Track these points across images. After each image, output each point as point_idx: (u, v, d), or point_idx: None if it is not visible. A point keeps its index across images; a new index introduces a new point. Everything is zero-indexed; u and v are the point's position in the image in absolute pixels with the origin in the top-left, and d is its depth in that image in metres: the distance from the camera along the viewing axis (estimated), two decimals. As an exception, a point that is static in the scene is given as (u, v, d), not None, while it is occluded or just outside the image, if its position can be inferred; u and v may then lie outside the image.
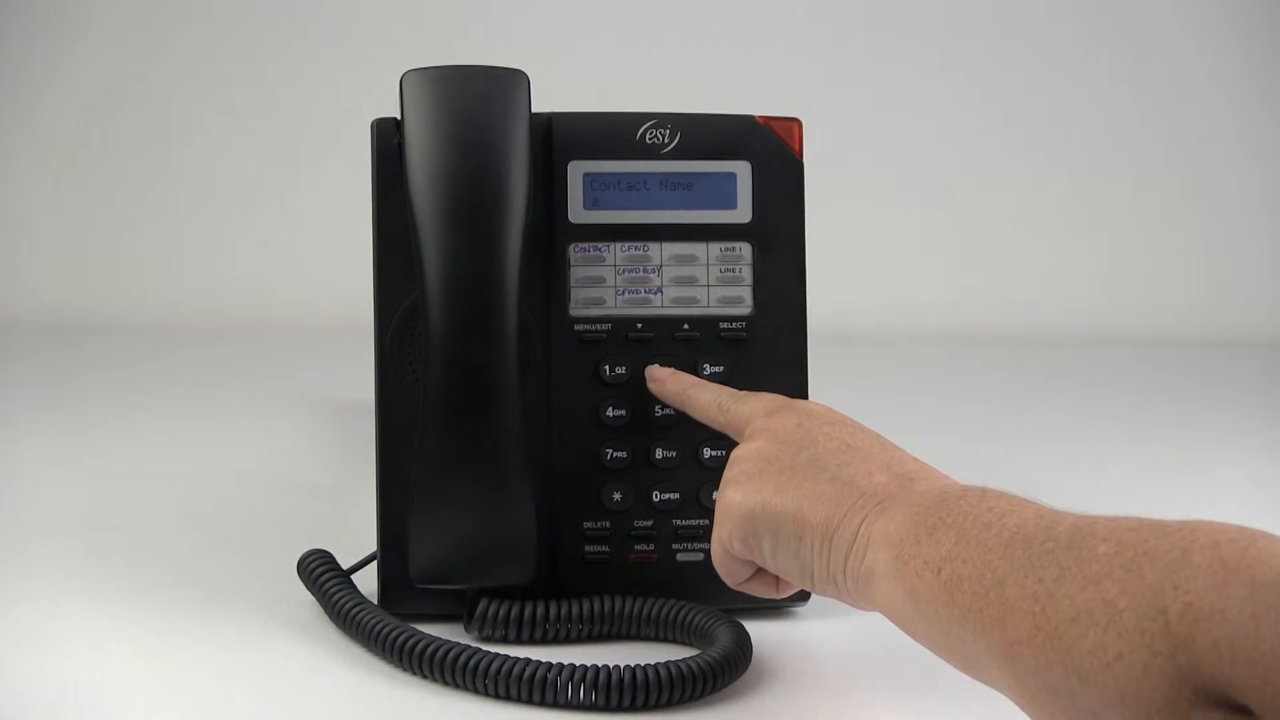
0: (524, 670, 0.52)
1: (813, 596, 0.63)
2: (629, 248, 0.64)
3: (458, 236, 0.58)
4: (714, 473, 0.62)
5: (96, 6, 2.04)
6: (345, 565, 0.62)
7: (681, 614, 0.59)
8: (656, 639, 0.59)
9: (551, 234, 0.63)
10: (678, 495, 0.63)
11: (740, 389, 0.60)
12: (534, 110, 0.61)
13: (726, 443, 0.60)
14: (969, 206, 2.12)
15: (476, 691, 0.53)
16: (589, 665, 0.52)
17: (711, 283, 0.64)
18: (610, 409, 0.63)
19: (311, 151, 2.00)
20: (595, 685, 0.51)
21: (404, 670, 0.55)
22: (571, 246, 0.63)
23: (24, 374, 1.55)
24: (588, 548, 0.62)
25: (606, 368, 0.63)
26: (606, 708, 0.51)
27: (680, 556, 0.63)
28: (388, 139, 0.61)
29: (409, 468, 0.59)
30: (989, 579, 0.39)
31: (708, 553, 0.61)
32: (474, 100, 0.59)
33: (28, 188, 2.02)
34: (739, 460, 0.53)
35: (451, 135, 0.59)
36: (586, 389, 0.63)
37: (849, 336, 1.72)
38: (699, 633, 0.57)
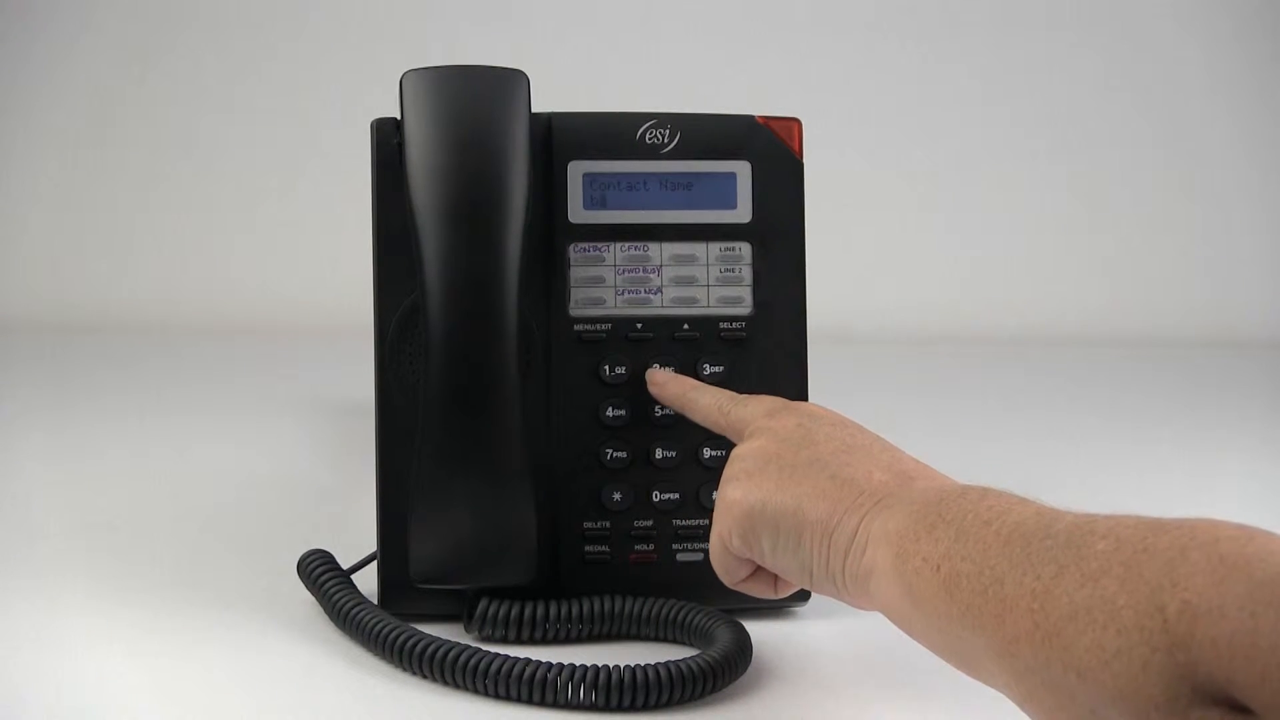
0: (524, 670, 0.52)
1: (812, 597, 0.63)
2: (629, 248, 0.64)
3: (458, 236, 0.58)
4: (714, 473, 0.62)
5: (96, 6, 2.04)
6: (345, 565, 0.62)
7: (681, 614, 0.59)
8: (656, 639, 0.60)
9: (551, 234, 0.63)
10: (678, 495, 0.63)
11: (740, 389, 0.60)
12: (534, 110, 0.61)
13: (726, 443, 0.60)
14: (969, 206, 2.12)
15: (476, 691, 0.53)
16: (589, 665, 0.52)
17: (711, 283, 0.64)
18: (610, 409, 0.63)
19: (311, 151, 2.00)
20: (595, 685, 0.51)
21: (404, 670, 0.55)
22: (571, 246, 0.63)
23: (24, 374, 1.54)
24: (588, 548, 0.62)
25: (606, 368, 0.63)
26: (606, 708, 0.51)
27: (680, 556, 0.63)
28: (388, 139, 0.61)
29: (409, 468, 0.59)
30: (988, 577, 0.39)
31: (708, 553, 0.61)
32: (474, 100, 0.59)
33: (28, 188, 2.02)
34: (739, 458, 0.53)
35: (451, 135, 0.59)
36: (586, 389, 0.63)
37: (849, 336, 1.72)
38: (699, 633, 0.57)
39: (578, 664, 0.52)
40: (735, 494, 0.51)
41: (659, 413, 0.63)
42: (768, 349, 0.64)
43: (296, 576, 0.63)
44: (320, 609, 0.61)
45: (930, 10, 2.15)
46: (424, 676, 0.54)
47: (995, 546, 0.40)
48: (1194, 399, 1.52)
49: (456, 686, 0.53)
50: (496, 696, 0.52)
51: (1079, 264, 2.09)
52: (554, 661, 0.52)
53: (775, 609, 0.63)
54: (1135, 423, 1.31)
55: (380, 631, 0.56)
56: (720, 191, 0.64)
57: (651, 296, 0.64)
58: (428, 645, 0.54)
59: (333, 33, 2.08)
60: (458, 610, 0.59)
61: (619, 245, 0.64)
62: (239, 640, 0.59)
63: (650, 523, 0.63)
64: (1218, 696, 0.32)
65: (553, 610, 0.59)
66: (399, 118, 0.60)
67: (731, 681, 0.54)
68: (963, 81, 2.14)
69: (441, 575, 0.58)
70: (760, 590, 0.55)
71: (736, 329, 0.64)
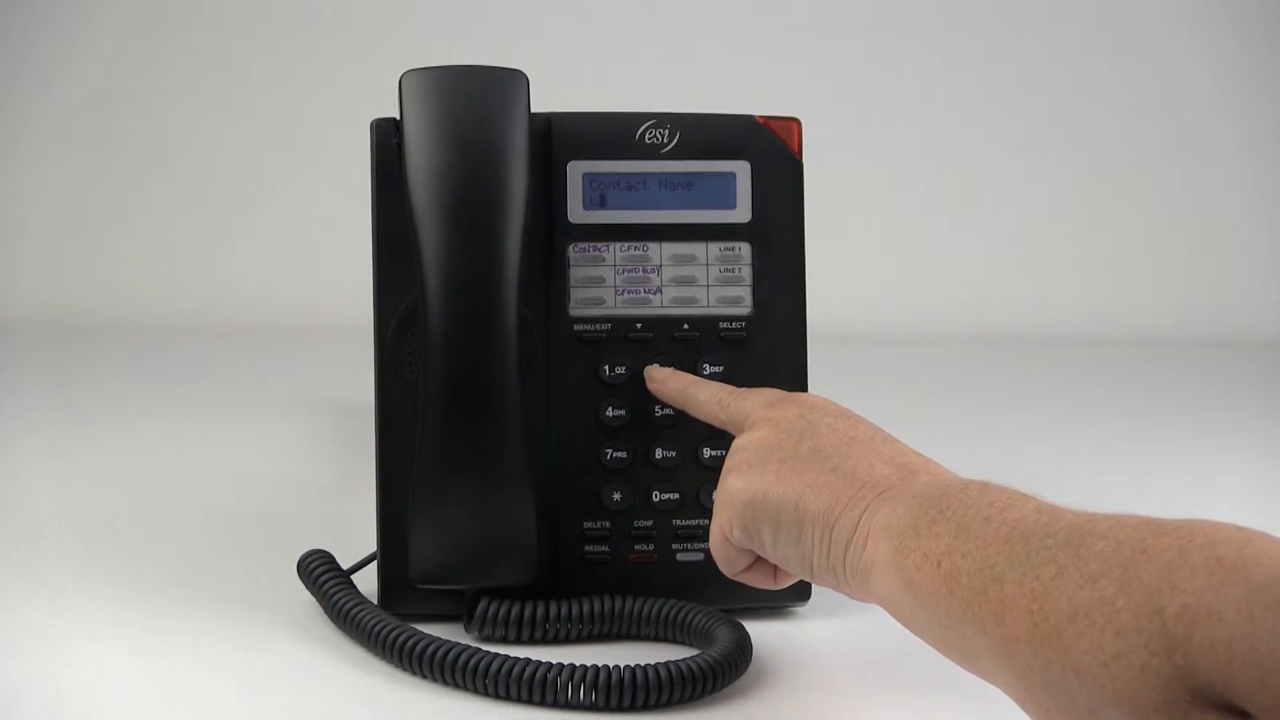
0: (524, 670, 0.52)
1: (813, 596, 0.63)
2: (628, 247, 0.64)
3: (457, 236, 0.58)
4: (713, 472, 0.62)
5: (96, 6, 2.04)
6: (345, 565, 0.62)
7: (681, 614, 0.59)
8: (656, 639, 0.60)
9: (551, 234, 0.63)
10: (678, 495, 0.63)
11: (741, 388, 0.60)
12: (533, 110, 0.61)
13: (726, 442, 0.60)
14: (969, 206, 2.12)
15: (476, 691, 0.53)
16: (589, 665, 0.52)
17: (711, 283, 0.64)
18: (610, 409, 0.63)
19: (311, 151, 2.00)
20: (595, 685, 0.51)
21: (404, 670, 0.55)
22: (571, 246, 0.63)
23: (24, 374, 1.54)
24: (588, 548, 0.62)
25: (606, 368, 0.63)
26: (606, 708, 0.51)
27: (680, 556, 0.63)
28: (387, 139, 0.61)
29: (409, 468, 0.59)
30: (988, 574, 0.39)
31: (707, 552, 0.61)
32: (473, 100, 0.59)
33: (28, 188, 2.02)
34: (740, 449, 0.53)
35: (451, 135, 0.59)
36: (586, 389, 0.63)
37: (849, 336, 1.72)
38: (699, 633, 0.57)
39: (578, 664, 0.52)
40: (736, 485, 0.51)
41: (659, 412, 0.63)
42: (767, 349, 0.64)
43: (296, 576, 0.63)
44: (320, 609, 0.61)
45: (930, 10, 2.15)
46: (424, 676, 0.54)
47: (995, 544, 0.40)
48: (1194, 399, 1.52)
49: (456, 686, 0.53)
50: (496, 696, 0.52)
51: (1079, 264, 2.09)
52: (554, 661, 0.52)
53: (775, 609, 0.63)
54: (1135, 423, 1.31)
55: (380, 631, 0.56)
56: (720, 191, 0.64)
57: (651, 296, 0.64)
58: (428, 645, 0.54)
59: (333, 33, 2.08)
60: (458, 610, 0.59)
61: (619, 245, 0.64)
62: (239, 640, 0.59)
63: (650, 523, 0.63)
64: (1216, 700, 0.32)
65: (552, 610, 0.59)
66: (398, 118, 0.60)
67: (731, 681, 0.54)
68: (963, 81, 2.14)
69: (441, 575, 0.58)
70: (760, 581, 0.55)
71: (736, 329, 0.64)
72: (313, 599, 0.62)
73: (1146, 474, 1.05)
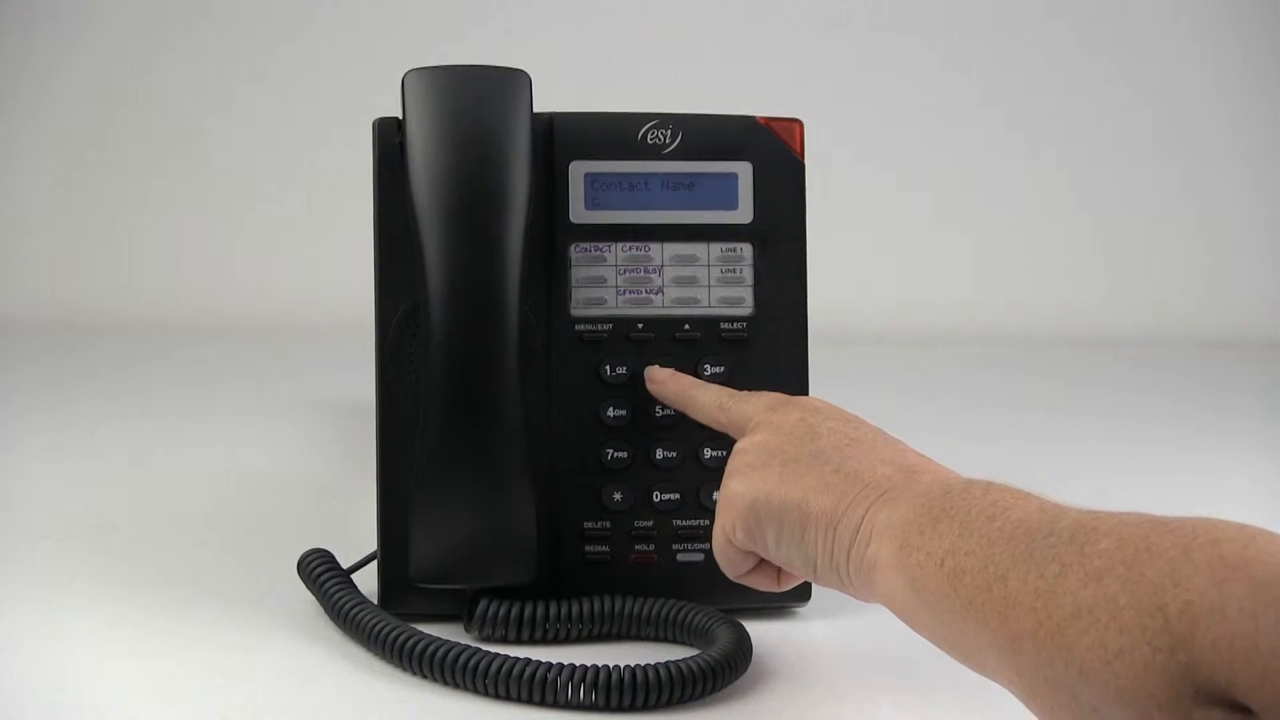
0: (524, 670, 0.52)
1: (813, 596, 0.63)
2: (630, 248, 0.64)
3: (459, 236, 0.58)
4: (714, 473, 0.62)
5: (97, 6, 2.04)
6: (345, 565, 0.62)
7: (681, 614, 0.59)
8: (656, 639, 0.59)
9: (552, 234, 0.63)
10: (678, 495, 0.63)
11: (741, 389, 0.60)
12: (535, 110, 0.61)
13: (727, 442, 0.60)
14: (969, 206, 2.12)
15: (476, 691, 0.53)
16: (589, 665, 0.52)
17: (712, 283, 0.64)
18: (611, 409, 0.63)
19: (311, 151, 2.00)
20: (595, 685, 0.51)
21: (404, 670, 0.55)
22: (572, 246, 0.63)
23: (24, 374, 1.54)
24: (588, 548, 0.62)
25: (607, 368, 0.63)
26: (606, 708, 0.51)
27: (680, 557, 0.63)
28: (389, 139, 0.61)
29: (409, 468, 0.59)
30: (991, 573, 0.39)
31: (708, 553, 0.61)
32: (475, 100, 0.59)
33: (28, 187, 2.02)
34: (742, 452, 0.53)
35: (453, 135, 0.59)
36: (587, 389, 0.63)
37: (849, 336, 1.72)
38: (699, 633, 0.57)
39: (578, 664, 0.52)
40: (739, 487, 0.51)
41: (659, 413, 0.63)
42: (768, 349, 0.64)
43: (296, 576, 0.63)
44: (320, 609, 0.61)
45: (931, 11, 2.15)
46: (424, 676, 0.54)
47: (999, 542, 0.40)
48: (1194, 399, 1.52)
49: (456, 686, 0.53)
50: (496, 696, 0.52)
51: (1079, 264, 2.09)
52: (554, 661, 0.52)
53: (775, 609, 0.63)
54: (1135, 422, 1.31)
55: (380, 631, 0.56)
56: (721, 192, 0.64)
57: (652, 297, 0.64)
58: (428, 645, 0.54)
59: (334, 32, 2.08)
60: (458, 610, 0.59)
61: (620, 245, 0.64)
62: (239, 640, 0.59)
63: (650, 523, 0.63)
64: (1219, 697, 0.32)
65: (553, 610, 0.59)
66: (400, 117, 0.60)
67: (731, 681, 0.54)
68: (963, 82, 2.14)
69: (441, 575, 0.58)
70: (763, 583, 0.55)
71: (737, 329, 0.64)
72: (313, 599, 0.62)
73: (1147, 474, 1.05)
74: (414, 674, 0.54)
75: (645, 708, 0.52)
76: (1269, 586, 0.32)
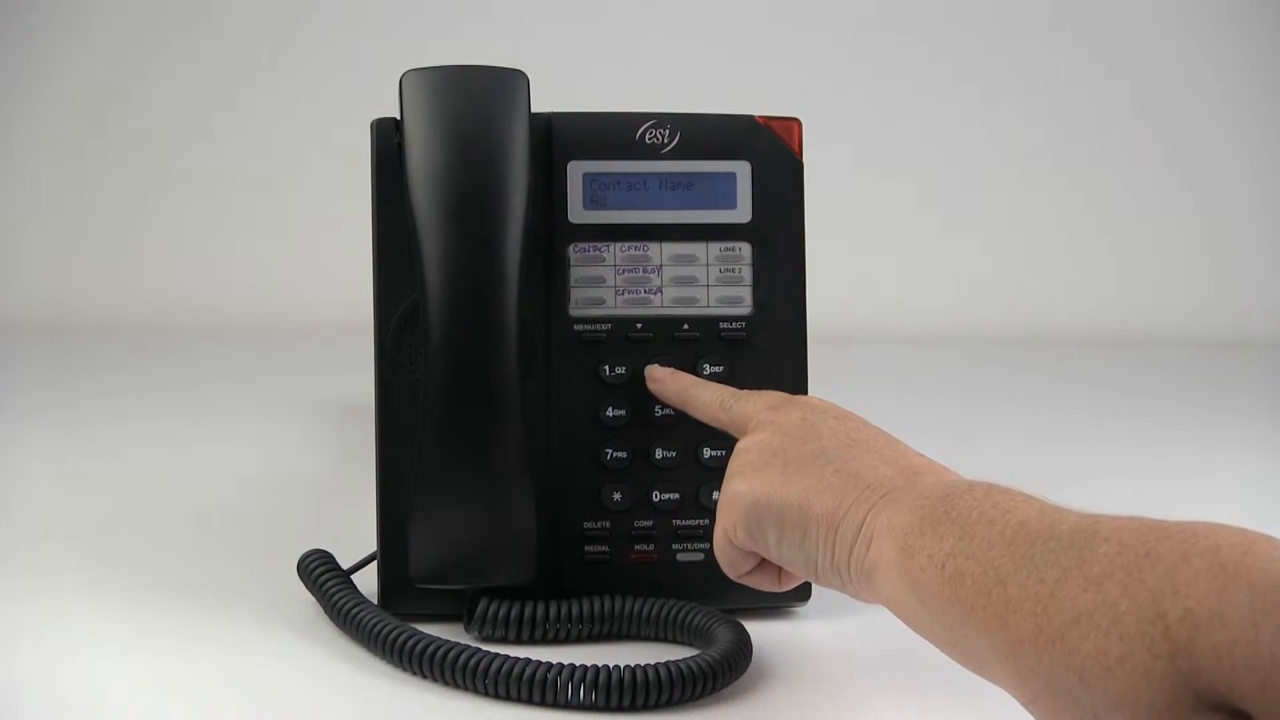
0: (524, 670, 0.52)
1: (813, 596, 0.63)
2: (629, 248, 0.64)
3: (457, 236, 0.58)
4: (714, 472, 0.62)
5: (96, 6, 2.04)
6: (345, 565, 0.62)
7: (681, 614, 0.59)
8: (656, 639, 0.59)
9: (551, 234, 0.63)
10: (678, 495, 0.63)
11: (741, 388, 0.60)
12: (534, 110, 0.61)
13: (726, 442, 0.60)
14: (969, 206, 2.11)
15: (476, 691, 0.53)
16: (589, 665, 0.52)
17: (711, 283, 0.64)
18: (610, 409, 0.63)
19: (311, 151, 2.00)
20: (595, 685, 0.51)
21: (404, 670, 0.55)
22: (571, 246, 0.63)
23: (24, 374, 1.54)
24: (588, 548, 0.62)
25: (606, 368, 0.63)
26: (606, 708, 0.51)
27: (680, 556, 0.63)
28: (388, 139, 0.61)
29: (409, 468, 0.59)
30: (991, 577, 0.39)
31: (708, 553, 0.61)
32: (474, 100, 0.59)
33: (28, 188, 2.02)
34: (744, 452, 0.53)
35: (451, 135, 0.59)
36: (586, 389, 0.63)
37: (849, 336, 1.72)
38: (699, 633, 0.57)
39: (578, 664, 0.52)
40: (740, 487, 0.51)
41: (659, 412, 0.63)
42: (768, 349, 0.64)
43: (296, 576, 0.63)
44: (320, 609, 0.61)
45: (931, 10, 2.15)
46: (424, 676, 0.54)
47: (999, 546, 0.40)
48: (1194, 399, 1.52)
49: (456, 686, 0.53)
50: (496, 696, 0.52)
51: (1079, 264, 2.09)
52: (554, 661, 0.52)
53: (775, 609, 0.63)
54: (1135, 422, 1.31)
55: (380, 631, 0.56)
56: (720, 191, 0.64)
57: (651, 296, 0.64)
58: (428, 645, 0.54)
59: (333, 32, 2.08)
60: (458, 610, 0.59)
61: (619, 245, 0.64)
62: (239, 640, 0.59)
63: (650, 523, 0.63)
64: (1219, 704, 0.32)
65: (553, 610, 0.59)
66: (399, 117, 0.60)
67: (731, 681, 0.54)
68: (963, 81, 2.14)
69: (441, 575, 0.58)
70: (764, 584, 0.55)
71: (736, 329, 0.64)
72: (313, 599, 0.62)
73: (1146, 474, 1.05)
74: (414, 674, 0.54)
75: (645, 708, 0.52)
76: (1269, 593, 0.31)
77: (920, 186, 2.11)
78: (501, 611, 0.58)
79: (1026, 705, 0.39)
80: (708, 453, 0.63)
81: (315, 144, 1.99)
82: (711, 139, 0.64)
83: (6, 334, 1.77)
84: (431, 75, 0.60)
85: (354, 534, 0.66)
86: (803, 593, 0.63)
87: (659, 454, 0.63)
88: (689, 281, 0.64)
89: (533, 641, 0.59)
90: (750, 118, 0.65)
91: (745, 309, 0.64)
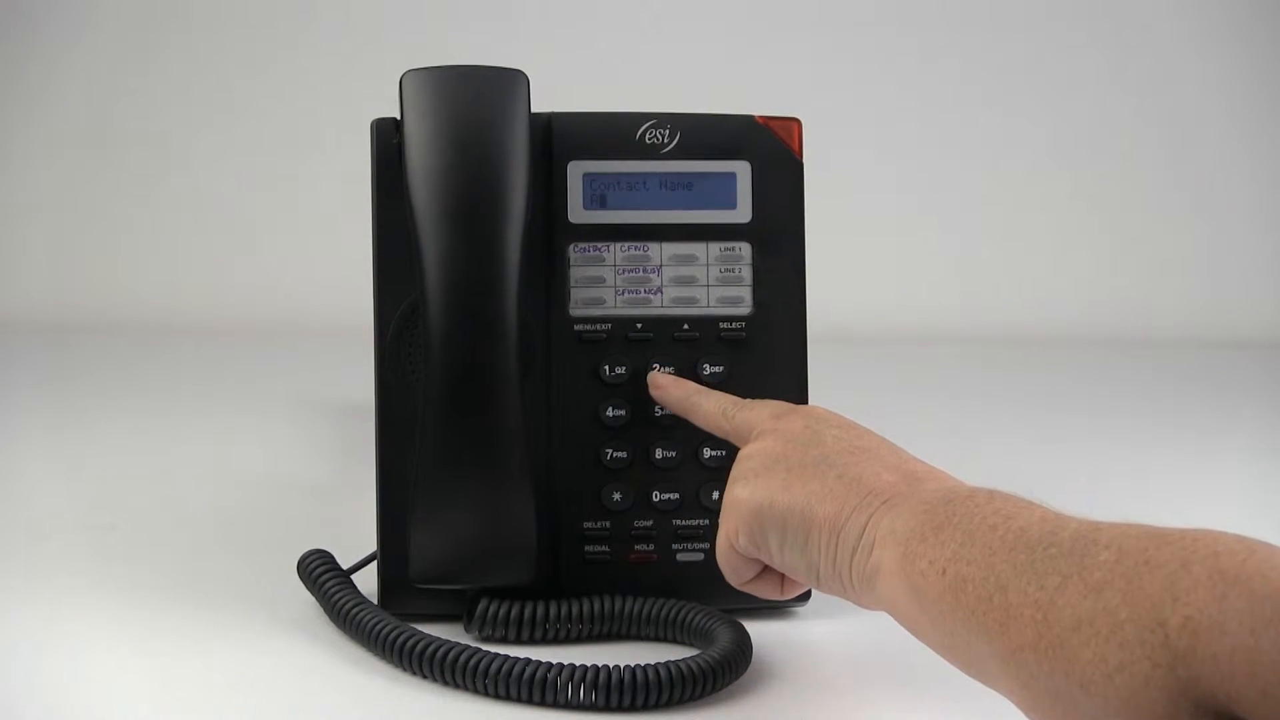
0: (524, 670, 0.52)
1: (813, 595, 0.63)
2: (629, 248, 0.64)
3: (457, 237, 0.58)
4: (714, 473, 0.62)
5: (97, 6, 2.04)
6: (345, 565, 0.62)
7: (681, 614, 0.59)
8: (656, 639, 0.59)
9: (551, 234, 0.63)
10: (678, 495, 0.63)
11: (740, 389, 0.60)
12: (534, 110, 0.61)
13: (727, 443, 0.60)
14: (969, 206, 2.11)
15: (476, 691, 0.53)
16: (589, 665, 0.52)
17: (711, 283, 0.64)
18: (610, 409, 0.63)
19: (311, 151, 2.00)
20: (595, 685, 0.51)
21: (404, 670, 0.55)
22: (571, 246, 0.63)
23: (24, 374, 1.54)
24: (588, 548, 0.62)
25: (606, 368, 0.63)
26: (606, 708, 0.51)
27: (680, 556, 0.63)
28: (387, 139, 0.61)
29: (409, 468, 0.59)
30: (992, 583, 0.39)
31: (708, 553, 0.61)
32: (473, 100, 0.59)
33: (28, 188, 2.02)
34: (746, 458, 0.53)
35: (451, 135, 0.59)
36: (586, 389, 0.63)
37: (849, 336, 1.72)
38: (699, 633, 0.57)
39: (578, 664, 0.52)
40: (742, 493, 0.51)
41: (659, 413, 0.63)
42: (768, 349, 0.64)
43: (296, 576, 0.63)
44: (320, 609, 0.61)
45: (930, 10, 2.15)
46: (424, 676, 0.54)
47: (1001, 552, 0.40)
48: (1194, 399, 1.52)
49: (456, 686, 0.53)
50: (496, 696, 0.52)
51: (1079, 264, 2.09)
52: (554, 661, 0.52)
53: (775, 609, 0.63)
54: (1135, 423, 1.31)
55: (380, 631, 0.56)
56: (720, 191, 0.64)
57: (651, 296, 0.64)
58: (428, 645, 0.54)
59: (333, 33, 2.08)
60: (458, 610, 0.59)
61: (619, 245, 0.64)
62: (239, 640, 0.59)
63: (650, 523, 0.63)
64: (1219, 712, 0.32)
65: (553, 610, 0.59)
66: (399, 118, 0.60)
67: (731, 681, 0.54)
68: (963, 81, 2.14)
69: (441, 575, 0.58)
70: (767, 591, 0.55)
71: (736, 329, 0.64)
72: (313, 599, 0.62)
73: (1146, 474, 1.05)
74: (414, 674, 0.54)
75: (645, 708, 0.52)
76: (1269, 601, 0.31)
77: (920, 186, 2.11)
78: (501, 611, 0.58)
79: (1027, 711, 0.39)
80: (708, 453, 0.63)
81: (315, 144, 1.99)
82: (711, 139, 0.64)
83: (6, 334, 1.77)
84: (431, 75, 0.60)
85: (354, 534, 0.66)
86: (803, 594, 0.63)
87: (659, 454, 0.63)
88: (689, 281, 0.64)
89: (533, 641, 0.59)
90: (750, 118, 0.65)
91: (745, 309, 0.64)
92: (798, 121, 0.65)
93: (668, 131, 0.64)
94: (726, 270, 0.64)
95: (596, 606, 0.59)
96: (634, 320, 0.63)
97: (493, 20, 2.07)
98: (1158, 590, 0.34)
